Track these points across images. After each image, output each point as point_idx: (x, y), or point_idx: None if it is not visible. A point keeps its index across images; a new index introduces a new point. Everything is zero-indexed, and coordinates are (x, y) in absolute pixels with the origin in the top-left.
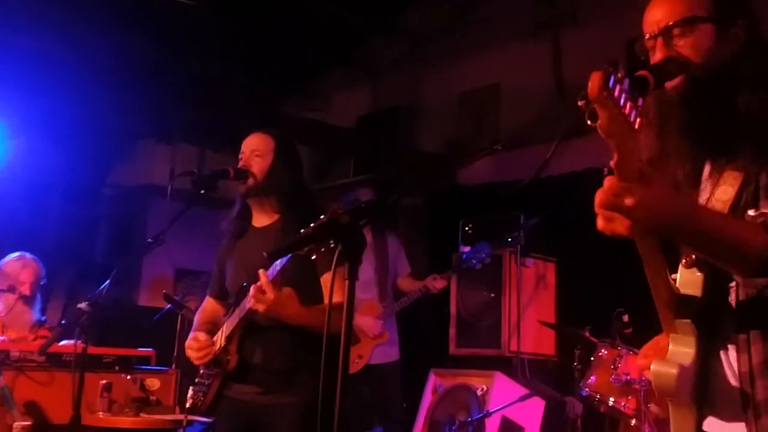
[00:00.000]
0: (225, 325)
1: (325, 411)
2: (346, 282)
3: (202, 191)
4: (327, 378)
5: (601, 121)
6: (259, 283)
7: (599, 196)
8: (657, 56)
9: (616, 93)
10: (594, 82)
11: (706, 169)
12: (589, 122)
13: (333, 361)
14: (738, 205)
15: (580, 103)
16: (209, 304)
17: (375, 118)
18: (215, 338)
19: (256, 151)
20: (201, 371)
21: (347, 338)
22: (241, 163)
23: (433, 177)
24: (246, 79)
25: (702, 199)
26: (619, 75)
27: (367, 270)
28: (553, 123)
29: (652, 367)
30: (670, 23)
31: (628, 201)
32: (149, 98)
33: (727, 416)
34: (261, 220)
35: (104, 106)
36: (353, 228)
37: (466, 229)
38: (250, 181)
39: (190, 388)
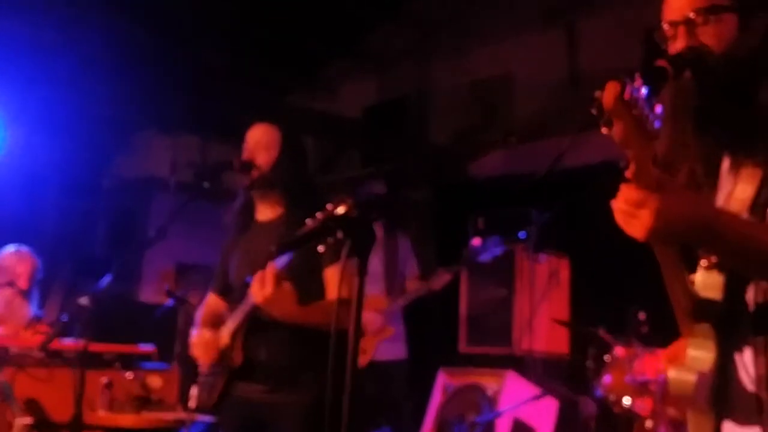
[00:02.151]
0: (229, 321)
1: (332, 409)
2: (356, 278)
3: (205, 183)
4: (333, 375)
5: (617, 130)
6: (262, 273)
7: (616, 205)
8: (678, 45)
9: (634, 104)
10: (610, 93)
11: (726, 162)
12: (603, 130)
13: (339, 357)
14: (758, 204)
15: (593, 112)
16: (212, 299)
17: (382, 109)
18: (220, 335)
19: (261, 142)
20: (204, 369)
21: (356, 336)
22: (245, 155)
23: (442, 170)
24: (250, 68)
25: (722, 195)
26: (636, 85)
27: (375, 264)
28: (568, 115)
29: (669, 374)
30: (693, 11)
31: (646, 212)
32: (149, 88)
33: (743, 419)
34: (265, 213)
35: (103, 96)
36: (363, 222)
37: (477, 223)
38: (255, 173)
39: (193, 386)
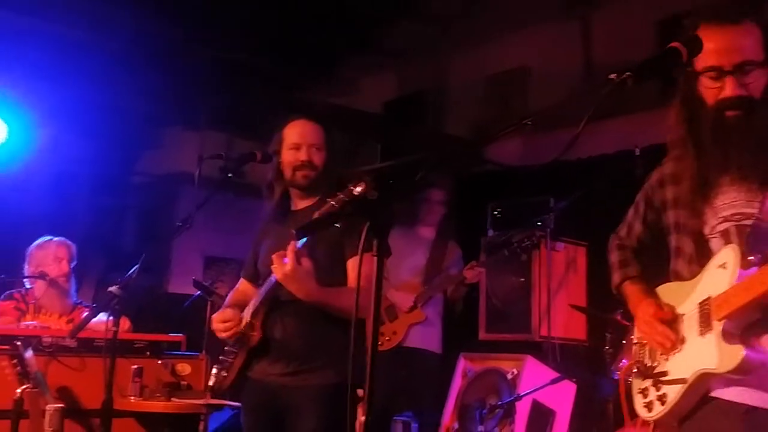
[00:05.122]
0: (252, 301)
1: (353, 391)
2: (374, 258)
3: (230, 175)
4: (355, 357)
5: None
6: (283, 251)
7: None
8: (728, 91)
9: None
10: None
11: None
12: None
13: (360, 340)
14: None
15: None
16: (242, 285)
17: (401, 103)
18: (242, 314)
19: (315, 144)
20: (225, 349)
21: (376, 313)
22: (303, 157)
23: (460, 161)
24: (273, 65)
25: (722, 201)
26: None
27: (420, 258)
28: (583, 104)
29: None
30: (746, 60)
31: None
32: (177, 85)
33: None
34: (300, 203)
35: (131, 93)
36: (382, 203)
37: (495, 213)
38: (312, 173)
39: (214, 366)
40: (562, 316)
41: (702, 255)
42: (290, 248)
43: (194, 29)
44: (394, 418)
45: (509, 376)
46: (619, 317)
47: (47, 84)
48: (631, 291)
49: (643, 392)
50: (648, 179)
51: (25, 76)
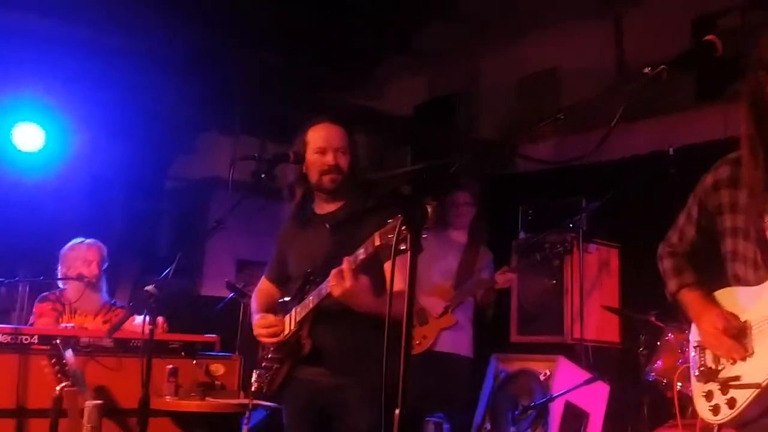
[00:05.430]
0: (295, 310)
1: (390, 394)
2: (408, 254)
3: (263, 176)
4: (390, 361)
5: None
6: (340, 268)
7: None
8: None
9: None
10: None
11: None
12: None
13: (397, 343)
14: None
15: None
16: (265, 286)
17: (432, 106)
18: (284, 321)
19: (341, 148)
20: (266, 355)
21: (409, 310)
22: (330, 161)
23: (491, 163)
24: (305, 70)
25: None
26: None
27: (451, 262)
28: (617, 99)
29: None
30: None
31: None
32: (211, 90)
33: None
34: (324, 207)
35: (166, 99)
36: (415, 198)
37: (526, 214)
38: (339, 177)
39: (254, 372)
40: (595, 319)
41: None
42: (347, 266)
43: (228, 34)
44: (426, 419)
45: (542, 377)
46: (653, 318)
47: (83, 90)
48: (691, 299)
49: (707, 396)
50: (701, 183)
51: (62, 82)
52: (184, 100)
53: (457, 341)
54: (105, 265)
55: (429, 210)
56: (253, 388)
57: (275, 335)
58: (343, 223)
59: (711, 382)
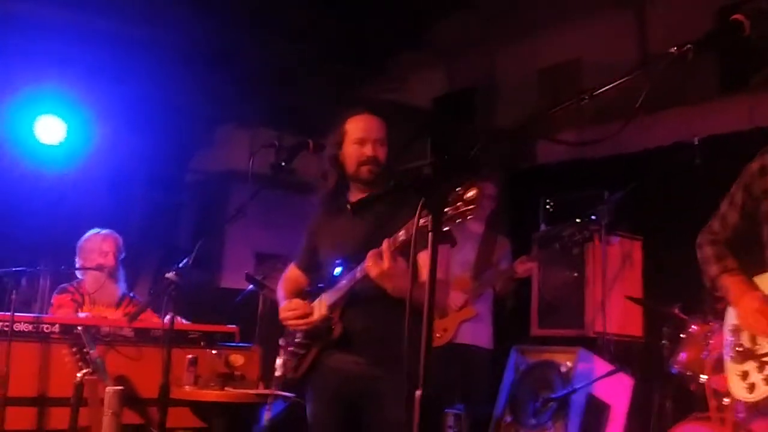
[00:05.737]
0: (325, 295)
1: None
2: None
3: (282, 164)
4: (413, 350)
5: None
6: (378, 249)
7: None
8: None
9: None
10: None
11: None
12: None
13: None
14: None
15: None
16: (293, 273)
17: (451, 99)
18: (314, 306)
19: (380, 139)
20: (292, 341)
21: (431, 288)
22: (369, 153)
23: (512, 155)
24: (323, 63)
25: None
26: None
27: (469, 253)
28: (639, 90)
29: None
30: None
31: None
32: (229, 84)
33: None
34: (359, 197)
35: (185, 92)
36: (436, 180)
37: (547, 206)
38: (377, 169)
39: (279, 357)
40: (617, 312)
41: None
42: (385, 247)
43: (248, 28)
44: (446, 410)
45: (563, 369)
46: (677, 311)
47: (104, 83)
48: (731, 282)
49: (743, 375)
50: (746, 169)
51: (83, 75)
52: (203, 93)
53: (478, 333)
54: (122, 256)
55: (473, 193)
56: (276, 374)
57: (301, 320)
58: (366, 204)
59: (748, 361)
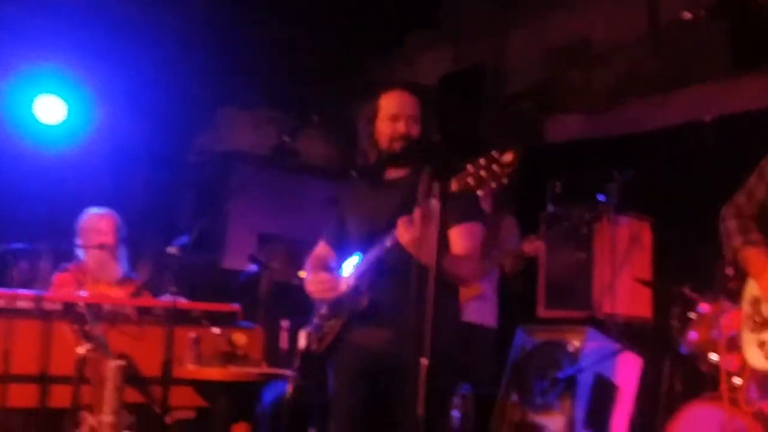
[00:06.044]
0: (353, 266)
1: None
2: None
3: (287, 139)
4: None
5: None
6: (410, 216)
7: None
8: None
9: None
10: None
11: None
12: None
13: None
14: None
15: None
16: (322, 249)
17: (458, 78)
18: (341, 278)
19: (413, 116)
20: (317, 313)
21: (439, 253)
22: (402, 129)
23: (519, 135)
24: (328, 42)
25: None
26: None
27: None
28: (648, 77)
29: None
30: None
31: None
32: (231, 65)
33: None
34: (393, 172)
35: (187, 72)
36: (443, 148)
37: (555, 187)
38: (410, 144)
39: (303, 330)
40: (626, 293)
41: None
42: (417, 214)
43: (250, 7)
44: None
45: (570, 349)
46: (686, 291)
47: (105, 63)
48: (754, 254)
49: (761, 344)
50: None
51: (84, 54)
52: (205, 73)
53: (483, 311)
54: (121, 234)
55: (511, 157)
56: (299, 345)
57: (327, 291)
58: (378, 169)
59: (767, 331)
